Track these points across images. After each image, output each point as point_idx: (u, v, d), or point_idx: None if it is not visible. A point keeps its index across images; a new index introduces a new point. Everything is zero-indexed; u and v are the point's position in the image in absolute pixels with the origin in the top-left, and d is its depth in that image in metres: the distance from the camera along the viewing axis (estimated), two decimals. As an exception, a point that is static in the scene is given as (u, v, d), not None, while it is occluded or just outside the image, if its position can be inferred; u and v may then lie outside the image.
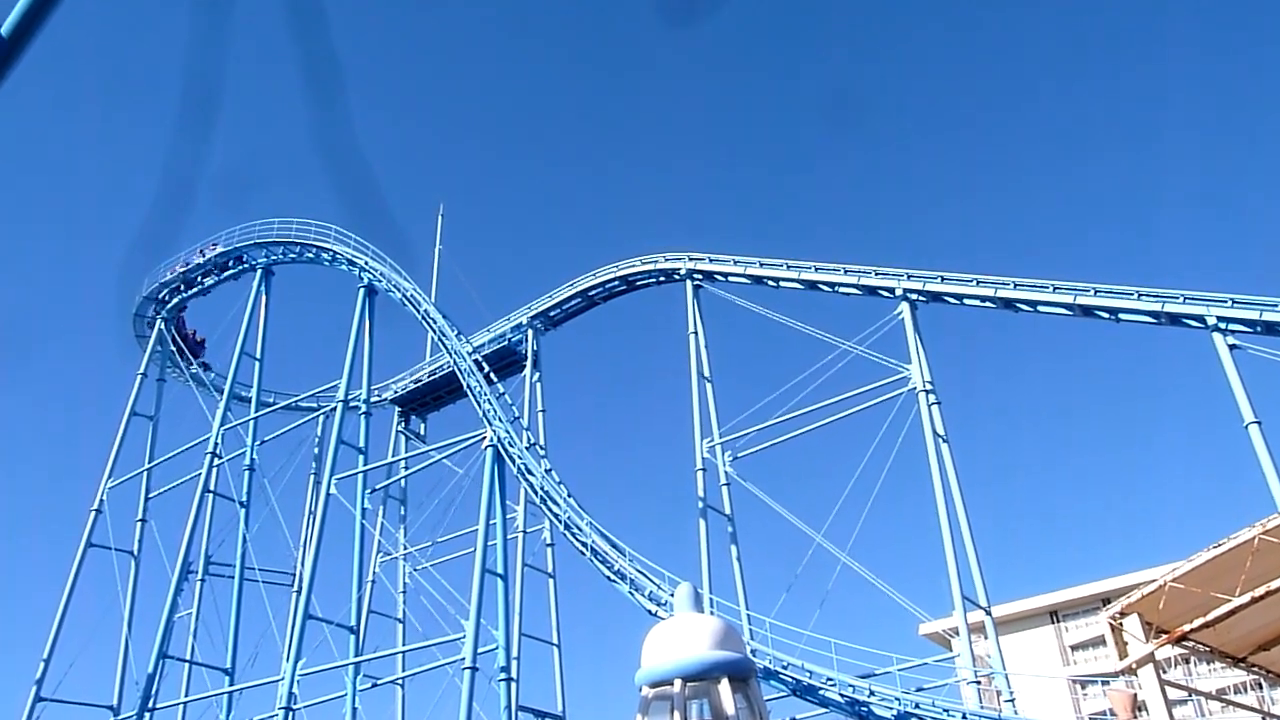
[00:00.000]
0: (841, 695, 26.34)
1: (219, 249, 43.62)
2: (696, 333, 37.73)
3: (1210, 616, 8.19)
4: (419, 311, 38.43)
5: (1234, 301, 27.20)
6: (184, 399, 46.10)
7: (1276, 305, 26.51)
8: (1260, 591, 7.86)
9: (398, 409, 45.70)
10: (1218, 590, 7.99)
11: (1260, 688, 47.41)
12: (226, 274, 44.13)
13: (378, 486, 39.60)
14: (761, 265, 36.67)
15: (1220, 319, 27.20)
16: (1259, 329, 26.78)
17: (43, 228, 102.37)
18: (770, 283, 36.49)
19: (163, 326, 45.51)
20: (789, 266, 35.98)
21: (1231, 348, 26.94)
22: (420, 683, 38.82)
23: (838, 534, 31.83)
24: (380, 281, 39.12)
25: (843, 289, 34.92)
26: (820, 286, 35.42)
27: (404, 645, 38.34)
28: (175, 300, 45.59)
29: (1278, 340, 26.60)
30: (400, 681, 38.94)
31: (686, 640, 5.45)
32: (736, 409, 36.59)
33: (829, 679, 26.57)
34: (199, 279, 44.76)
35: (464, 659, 28.51)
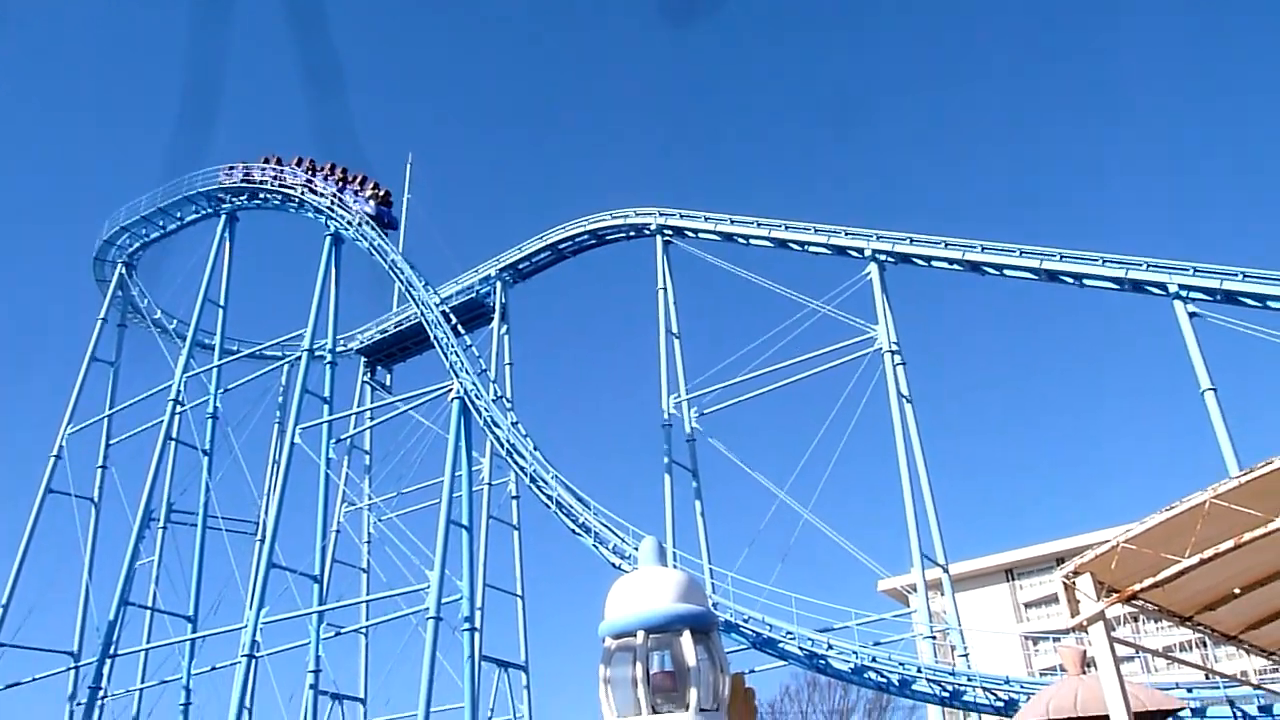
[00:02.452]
0: (801, 649, 26.81)
1: (182, 193, 42.90)
2: (665, 289, 37.74)
3: (1160, 577, 8.41)
4: (386, 261, 38.08)
5: (1196, 270, 27.58)
6: (145, 345, 45.60)
7: (1237, 275, 26.91)
8: (1209, 554, 8.07)
9: (363, 359, 45.45)
10: (1168, 552, 8.20)
11: (1204, 645, 48.79)
12: (190, 219, 43.47)
13: (342, 437, 39.44)
14: (732, 222, 36.66)
15: (1182, 286, 27.58)
16: (1219, 297, 27.20)
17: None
18: (740, 240, 36.51)
19: (123, 271, 44.83)
20: (759, 224, 35.98)
21: (1191, 315, 27.36)
22: (384, 632, 39.05)
23: (801, 491, 32.20)
24: (347, 230, 38.69)
25: (813, 248, 35.02)
26: (790, 245, 35.46)
27: (368, 595, 38.48)
28: (136, 245, 44.90)
29: (1237, 309, 27.05)
30: (364, 630, 39.14)
31: (650, 593, 5.51)
32: (703, 366, 36.79)
33: (789, 632, 27.02)
34: (160, 223, 44.05)
35: (428, 609, 28.68)
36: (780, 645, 27.08)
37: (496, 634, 39.30)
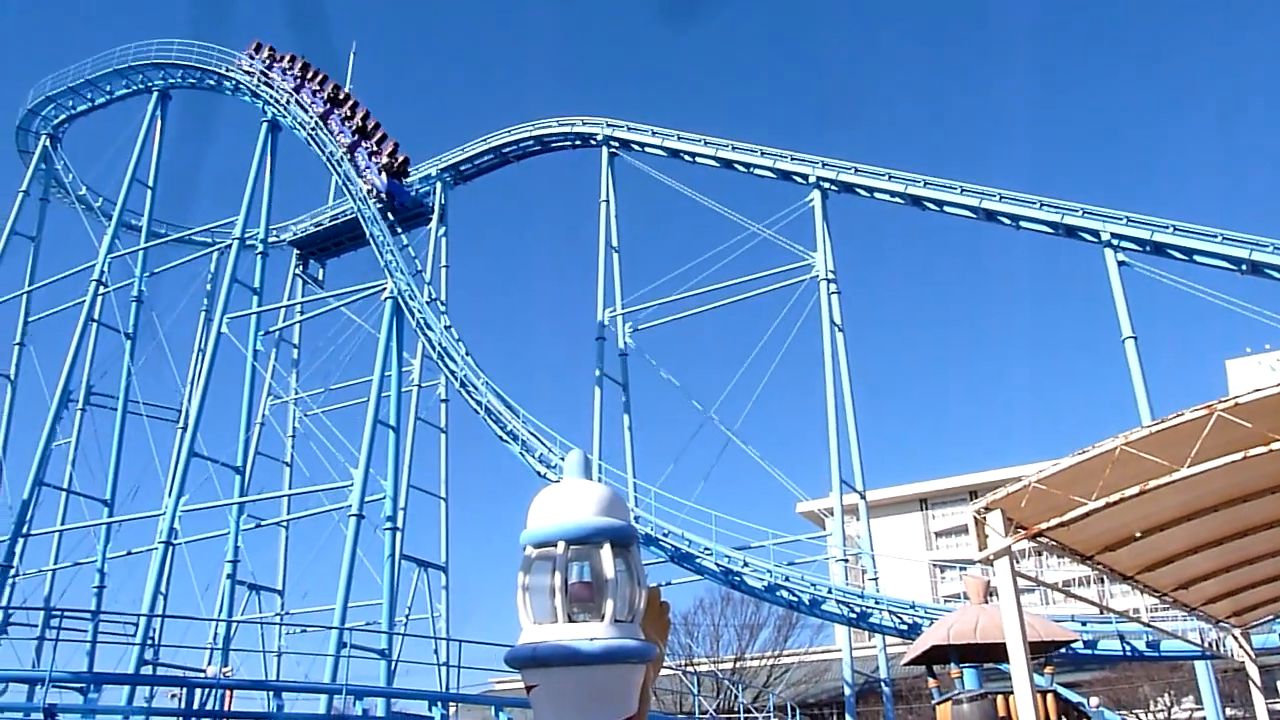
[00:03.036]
0: (717, 565, 27.46)
1: (113, 66, 41.01)
2: (608, 201, 37.41)
3: (1066, 518, 8.71)
4: (324, 152, 37.08)
5: (1129, 220, 28.13)
6: (69, 223, 44.09)
7: (1168, 227, 27.53)
8: (1114, 498, 8.37)
9: (296, 251, 44.50)
10: (1076, 494, 8.49)
11: (1102, 582, 51.05)
12: (120, 93, 41.67)
13: (271, 329, 38.78)
14: (679, 139, 36.31)
15: (1114, 235, 28.15)
16: (1148, 248, 27.84)
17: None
18: (686, 157, 36.22)
19: (47, 143, 43.01)
20: (706, 143, 35.71)
21: (1120, 264, 28.01)
22: (305, 526, 39.06)
23: (728, 412, 32.73)
24: (284, 118, 37.49)
25: (757, 171, 34.91)
26: (736, 166, 35.31)
27: (290, 489, 38.32)
28: (62, 117, 43.01)
29: (1164, 261, 27.75)
30: (285, 524, 39.06)
31: (573, 505, 5.54)
32: (642, 281, 36.88)
33: (706, 549, 27.62)
34: (89, 95, 42.18)
35: (350, 506, 28.67)
36: (698, 561, 27.69)
37: (418, 534, 39.57)
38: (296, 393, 40.79)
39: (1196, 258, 27.24)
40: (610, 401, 34.84)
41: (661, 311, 35.35)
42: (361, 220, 35.62)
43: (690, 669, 38.86)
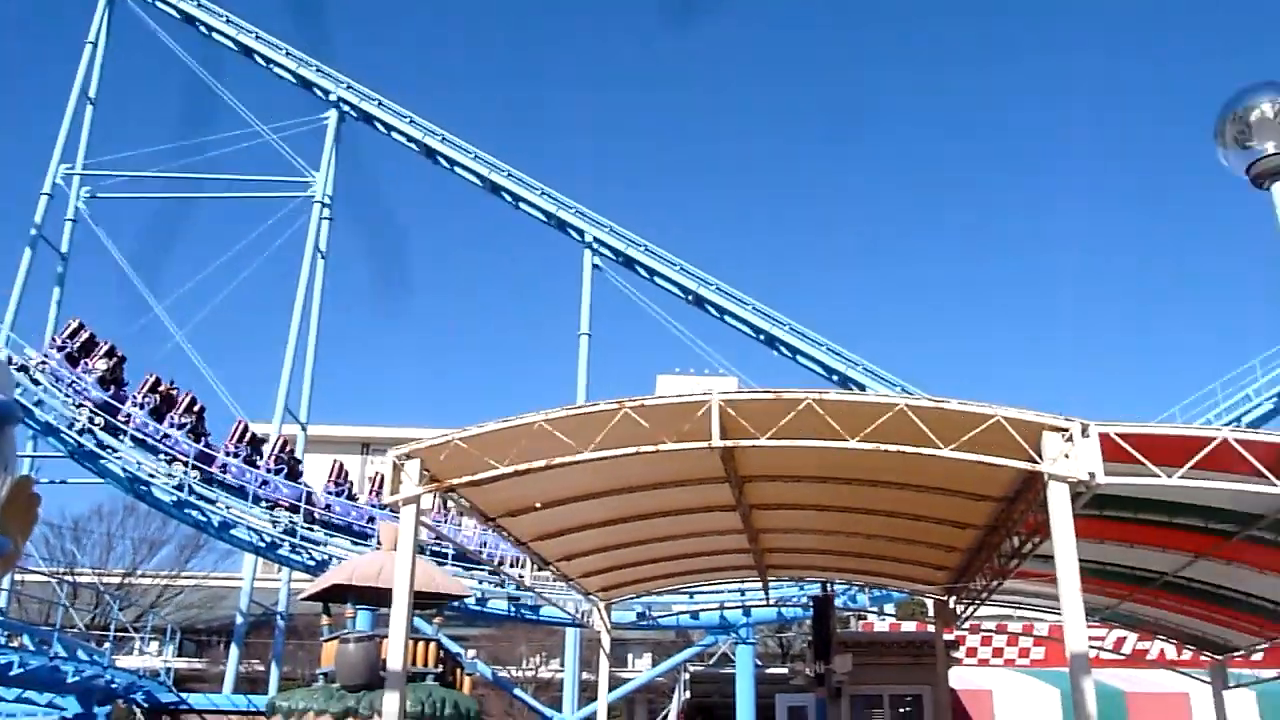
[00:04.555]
0: (124, 470, 25.18)
1: None
2: (95, 43, 32.86)
3: (478, 477, 9.16)
4: None
5: (612, 229, 30.82)
6: None
7: (641, 246, 30.71)
8: (523, 467, 8.97)
9: None
10: (492, 457, 8.95)
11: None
12: None
13: None
14: (199, 5, 32.95)
15: (595, 240, 30.68)
16: (620, 259, 30.81)
17: None
18: (201, 28, 32.98)
19: None
20: (230, 21, 32.84)
21: (594, 267, 30.60)
22: None
23: (183, 313, 30.38)
24: None
25: (276, 69, 32.89)
26: (255, 57, 32.88)
27: None
28: None
29: (630, 274, 30.84)
30: None
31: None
32: (115, 146, 32.81)
33: (116, 451, 25.26)
34: None
35: None
36: (101, 462, 25.23)
37: None
38: None
39: (657, 279, 30.64)
40: (42, 269, 30.58)
41: (132, 186, 31.87)
42: None
43: (69, 578, 35.23)
